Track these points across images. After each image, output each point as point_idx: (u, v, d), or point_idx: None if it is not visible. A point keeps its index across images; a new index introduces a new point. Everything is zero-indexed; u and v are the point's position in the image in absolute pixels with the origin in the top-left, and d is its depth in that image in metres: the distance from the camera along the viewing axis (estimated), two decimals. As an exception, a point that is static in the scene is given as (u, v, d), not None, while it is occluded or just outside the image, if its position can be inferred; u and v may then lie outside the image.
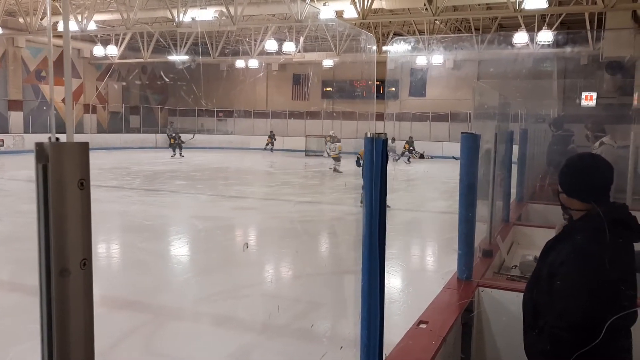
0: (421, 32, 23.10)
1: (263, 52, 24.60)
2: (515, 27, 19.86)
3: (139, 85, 32.43)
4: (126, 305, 5.36)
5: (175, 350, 4.10)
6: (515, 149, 6.40)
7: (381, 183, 1.84)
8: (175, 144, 23.33)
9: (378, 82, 28.00)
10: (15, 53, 24.99)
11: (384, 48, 24.00)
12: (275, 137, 28.99)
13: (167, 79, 30.84)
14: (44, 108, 25.84)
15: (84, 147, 0.69)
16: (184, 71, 27.59)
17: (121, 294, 5.67)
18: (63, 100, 25.13)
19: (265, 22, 21.42)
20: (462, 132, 3.34)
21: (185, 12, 18.25)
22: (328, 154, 25.56)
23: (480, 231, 4.28)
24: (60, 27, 19.25)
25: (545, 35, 18.69)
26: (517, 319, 3.13)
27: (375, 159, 1.81)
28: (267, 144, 28.45)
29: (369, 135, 1.79)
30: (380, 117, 27.40)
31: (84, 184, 0.69)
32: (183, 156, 22.97)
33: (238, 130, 31.79)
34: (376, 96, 28.83)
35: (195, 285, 6.41)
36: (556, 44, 19.28)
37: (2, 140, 23.13)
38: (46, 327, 0.70)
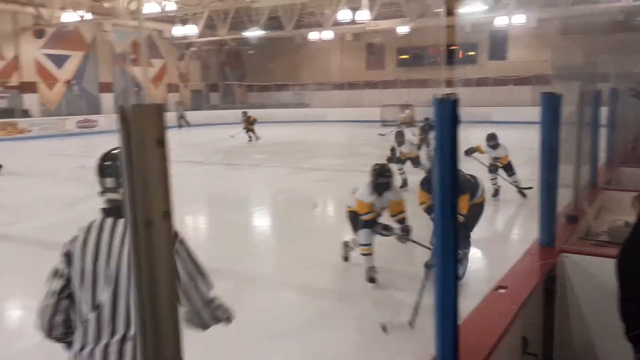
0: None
1: (337, 23, 24.39)
2: (607, -21, 18.38)
3: (218, 63, 33.31)
4: (211, 272, 5.65)
5: (257, 315, 4.30)
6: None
7: (451, 148, 1.80)
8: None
9: (455, 47, 26.96)
10: (103, 37, 26.43)
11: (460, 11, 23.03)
12: (253, 120, 19.31)
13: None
14: (136, 89, 27.31)
15: (159, 108, 0.76)
16: (239, 52, 26.21)
17: (206, 262, 5.98)
18: (151, 80, 26.46)
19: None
20: (541, 93, 3.19)
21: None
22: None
23: (565, 197, 4.10)
24: (145, 10, 20.09)
25: (641, -15, 17.14)
26: (604, 285, 3.00)
27: (444, 122, 1.78)
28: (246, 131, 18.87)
29: (437, 97, 1.76)
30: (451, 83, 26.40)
31: (161, 142, 0.76)
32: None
33: (314, 103, 31.89)
34: (452, 62, 27.74)
35: (275, 253, 6.66)
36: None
37: (96, 121, 24.66)
38: (136, 271, 0.79)
